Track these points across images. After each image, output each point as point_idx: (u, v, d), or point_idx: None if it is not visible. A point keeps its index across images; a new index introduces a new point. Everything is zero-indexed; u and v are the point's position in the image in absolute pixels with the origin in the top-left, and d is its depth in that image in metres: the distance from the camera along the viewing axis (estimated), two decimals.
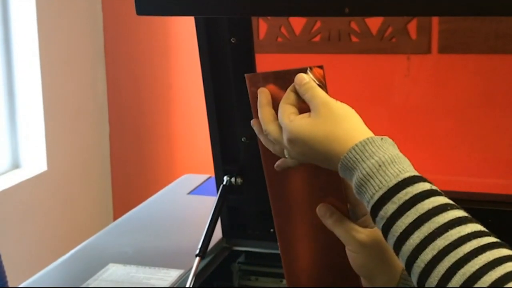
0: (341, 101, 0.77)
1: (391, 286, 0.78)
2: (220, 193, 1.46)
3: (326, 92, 0.78)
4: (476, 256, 0.61)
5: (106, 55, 3.15)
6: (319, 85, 0.78)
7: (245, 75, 0.81)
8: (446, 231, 0.64)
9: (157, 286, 1.34)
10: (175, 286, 1.35)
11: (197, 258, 1.34)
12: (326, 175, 0.80)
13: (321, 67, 0.79)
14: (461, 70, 1.53)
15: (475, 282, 0.59)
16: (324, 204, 0.80)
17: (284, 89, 0.79)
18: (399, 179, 0.68)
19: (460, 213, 0.66)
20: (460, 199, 1.45)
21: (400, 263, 0.78)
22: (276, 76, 0.80)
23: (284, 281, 0.96)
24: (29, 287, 1.38)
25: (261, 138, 0.80)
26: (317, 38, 1.58)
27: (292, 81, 0.79)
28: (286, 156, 0.78)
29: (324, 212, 0.80)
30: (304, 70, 0.79)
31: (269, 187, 0.84)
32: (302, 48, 1.60)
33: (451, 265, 0.61)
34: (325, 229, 0.81)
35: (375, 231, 0.78)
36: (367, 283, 0.80)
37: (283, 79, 0.79)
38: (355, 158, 0.70)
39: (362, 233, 0.78)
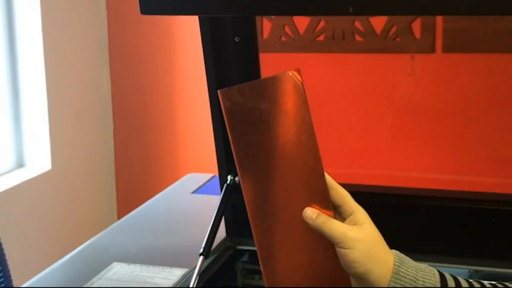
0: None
1: (383, 283, 0.79)
2: (224, 192, 1.46)
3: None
4: None
5: (110, 54, 3.15)
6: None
7: (219, 91, 0.79)
8: None
9: (161, 285, 1.34)
10: (179, 285, 1.35)
11: (201, 257, 1.34)
12: (312, 182, 0.80)
13: (297, 70, 0.79)
14: (465, 69, 1.52)
15: None
16: (309, 208, 0.80)
17: (262, 98, 0.78)
18: None
19: None
20: (464, 199, 1.46)
21: (391, 259, 0.80)
22: (251, 86, 0.79)
23: None
24: (33, 287, 1.38)
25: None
26: (321, 37, 1.58)
27: (269, 89, 0.78)
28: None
29: (310, 214, 0.80)
30: (281, 77, 0.78)
31: (248, 204, 0.82)
32: (306, 47, 1.59)
33: None
34: (310, 237, 0.81)
35: (365, 227, 0.80)
36: (357, 284, 0.81)
37: (260, 88, 0.78)
38: None
39: (353, 229, 0.80)
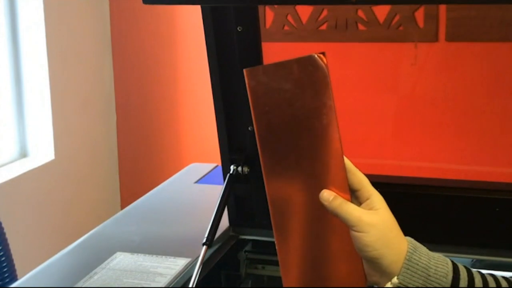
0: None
1: (395, 269, 0.80)
2: (227, 182, 1.46)
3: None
4: None
5: (113, 45, 3.15)
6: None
7: (244, 69, 0.79)
8: None
9: (164, 275, 1.34)
10: (182, 275, 1.36)
11: (204, 247, 1.34)
12: (331, 164, 0.80)
13: (323, 53, 0.79)
14: (469, 58, 1.52)
15: None
16: (326, 190, 0.81)
17: (286, 79, 0.78)
18: None
19: None
20: (468, 188, 1.45)
21: (404, 246, 0.80)
22: (276, 67, 0.79)
23: None
24: (34, 285, 1.39)
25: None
26: (324, 27, 1.57)
27: (294, 70, 0.78)
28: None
29: (327, 196, 0.81)
30: (307, 59, 0.78)
31: (267, 184, 0.82)
32: (309, 36, 1.59)
33: None
34: (327, 219, 0.81)
35: (380, 212, 0.81)
36: (369, 268, 0.81)
37: (285, 69, 0.79)
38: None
39: (368, 213, 0.80)
